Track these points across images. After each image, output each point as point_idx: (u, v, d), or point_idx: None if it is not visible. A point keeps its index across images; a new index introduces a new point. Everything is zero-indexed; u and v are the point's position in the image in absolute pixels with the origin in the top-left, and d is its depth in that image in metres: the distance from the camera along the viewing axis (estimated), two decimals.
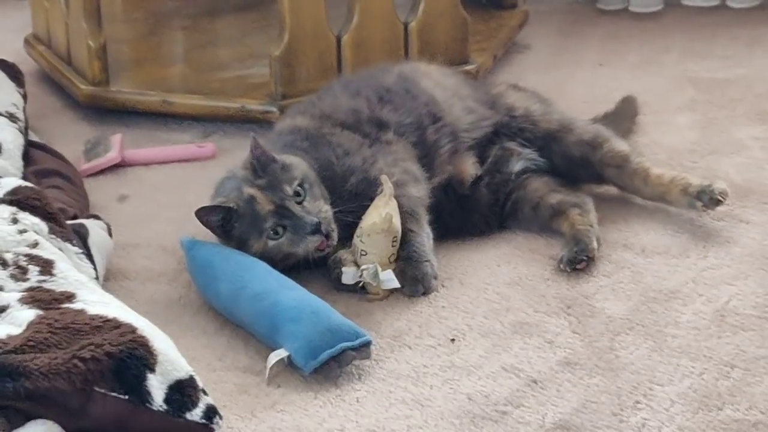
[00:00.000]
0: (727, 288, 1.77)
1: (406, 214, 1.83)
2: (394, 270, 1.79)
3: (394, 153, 1.90)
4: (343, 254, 1.82)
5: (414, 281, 1.79)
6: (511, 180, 1.98)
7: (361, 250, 1.80)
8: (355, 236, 1.81)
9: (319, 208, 1.80)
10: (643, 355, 1.63)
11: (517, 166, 2.00)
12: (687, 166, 2.13)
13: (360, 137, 1.92)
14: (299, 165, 1.83)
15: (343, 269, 1.79)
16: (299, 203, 1.80)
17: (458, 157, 1.97)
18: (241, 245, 1.81)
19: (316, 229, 1.77)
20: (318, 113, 1.97)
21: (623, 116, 2.24)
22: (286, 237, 1.79)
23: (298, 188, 1.80)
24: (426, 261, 1.81)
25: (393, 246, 1.80)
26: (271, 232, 1.79)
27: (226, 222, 1.81)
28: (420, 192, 1.88)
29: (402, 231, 1.81)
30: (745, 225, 1.94)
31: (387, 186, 1.82)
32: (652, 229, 1.94)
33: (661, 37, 2.73)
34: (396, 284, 1.78)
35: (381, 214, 1.78)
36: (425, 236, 1.84)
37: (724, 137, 2.24)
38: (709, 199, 1.88)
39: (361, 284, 1.80)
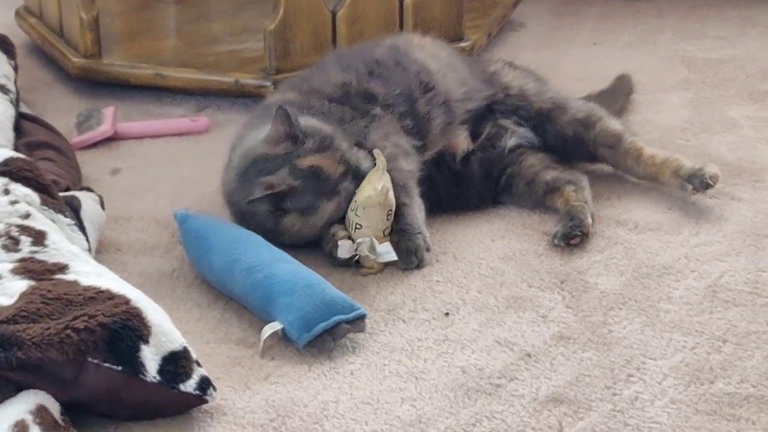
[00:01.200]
0: (718, 264, 1.78)
1: (397, 187, 1.83)
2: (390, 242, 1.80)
3: (384, 126, 1.90)
4: (337, 229, 1.82)
5: (408, 254, 1.80)
6: (504, 155, 1.99)
7: (356, 224, 1.80)
8: (349, 210, 1.81)
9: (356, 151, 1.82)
10: (636, 329, 1.64)
11: (510, 142, 2.00)
12: (679, 144, 2.13)
13: (350, 110, 1.91)
14: (312, 120, 1.83)
15: (339, 242, 1.79)
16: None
17: (451, 129, 1.97)
18: (302, 218, 1.79)
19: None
20: (306, 88, 1.96)
21: (618, 94, 2.24)
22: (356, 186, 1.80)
23: (339, 141, 1.81)
24: (418, 233, 1.81)
25: (387, 219, 1.80)
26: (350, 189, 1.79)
27: (277, 207, 1.79)
28: (410, 165, 1.88)
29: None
30: (736, 202, 1.94)
31: (380, 160, 1.82)
32: (645, 206, 1.95)
33: (654, 17, 2.74)
34: (393, 257, 1.78)
35: (377, 187, 1.78)
36: (417, 209, 1.84)
37: (716, 116, 2.25)
38: (699, 182, 1.89)
39: (356, 258, 1.80)
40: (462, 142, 1.97)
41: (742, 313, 1.66)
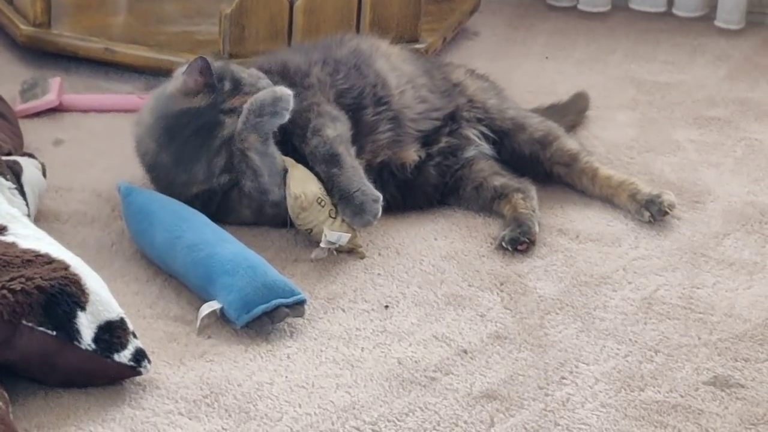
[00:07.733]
0: (655, 278, 1.81)
1: (323, 161, 1.82)
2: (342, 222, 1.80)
3: (309, 98, 1.87)
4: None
5: (355, 214, 1.79)
6: (460, 161, 1.99)
7: (306, 230, 1.80)
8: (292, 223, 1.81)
9: None
10: (571, 334, 1.66)
11: (470, 153, 2.01)
12: (624, 161, 2.17)
13: (280, 80, 1.89)
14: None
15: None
16: None
17: (400, 145, 1.96)
18: None
19: None
20: (256, 66, 1.94)
21: (570, 110, 2.26)
22: None
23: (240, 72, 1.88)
24: (356, 191, 1.80)
25: (324, 206, 1.80)
26: None
27: None
28: (337, 130, 1.86)
29: (326, 177, 1.81)
30: (676, 221, 1.98)
31: (287, 161, 1.82)
32: (587, 217, 1.97)
33: (607, 37, 2.78)
34: (345, 238, 1.78)
35: (292, 195, 1.79)
36: (349, 171, 1.82)
37: (661, 137, 2.29)
38: (657, 209, 1.93)
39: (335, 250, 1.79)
40: (411, 155, 1.96)
41: (674, 326, 1.70)
